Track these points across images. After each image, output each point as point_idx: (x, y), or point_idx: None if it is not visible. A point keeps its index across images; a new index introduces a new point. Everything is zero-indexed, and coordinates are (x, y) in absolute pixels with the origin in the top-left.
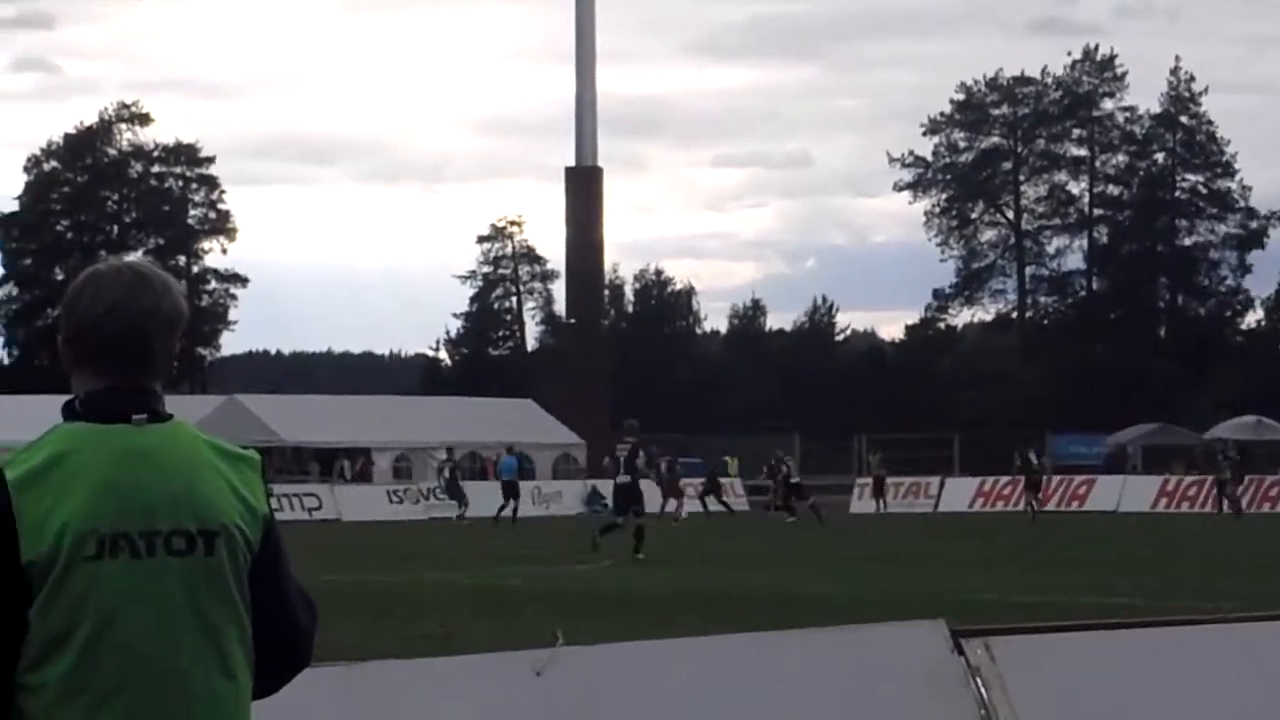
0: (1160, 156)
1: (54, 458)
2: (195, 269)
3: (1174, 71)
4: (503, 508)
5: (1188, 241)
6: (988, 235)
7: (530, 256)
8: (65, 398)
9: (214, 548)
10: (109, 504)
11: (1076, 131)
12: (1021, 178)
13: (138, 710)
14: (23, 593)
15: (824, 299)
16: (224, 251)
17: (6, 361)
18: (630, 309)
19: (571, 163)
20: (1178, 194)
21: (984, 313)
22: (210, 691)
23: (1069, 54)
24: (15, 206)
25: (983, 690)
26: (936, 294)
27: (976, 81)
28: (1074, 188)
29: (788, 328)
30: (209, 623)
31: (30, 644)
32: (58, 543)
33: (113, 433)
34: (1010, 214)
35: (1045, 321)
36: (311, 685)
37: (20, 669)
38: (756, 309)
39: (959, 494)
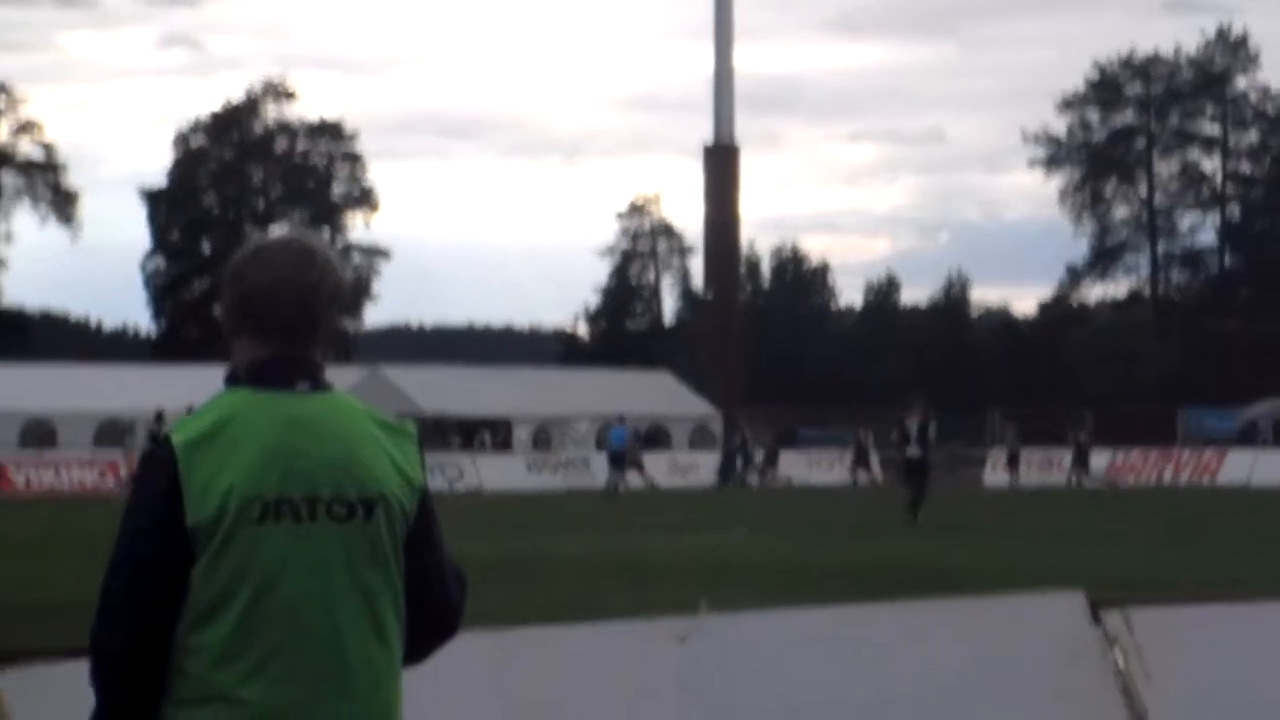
0: None
1: (220, 423)
2: (339, 242)
3: None
4: (618, 480)
5: None
6: (1121, 212)
7: (668, 231)
8: (211, 367)
9: (373, 516)
10: (273, 470)
11: (1209, 109)
12: (1154, 155)
13: (295, 672)
14: (187, 555)
15: (958, 274)
16: (367, 225)
17: (154, 333)
18: (766, 284)
19: (709, 140)
20: None
21: (1117, 289)
22: (366, 657)
23: (1202, 32)
24: (164, 182)
25: (1120, 660)
26: (1070, 270)
27: (1110, 60)
28: (1206, 165)
29: (921, 302)
30: (366, 589)
31: (192, 606)
32: (222, 507)
33: (277, 400)
34: (1143, 191)
35: (1177, 298)
36: (459, 652)
37: (182, 629)
38: (891, 284)
39: (1092, 467)
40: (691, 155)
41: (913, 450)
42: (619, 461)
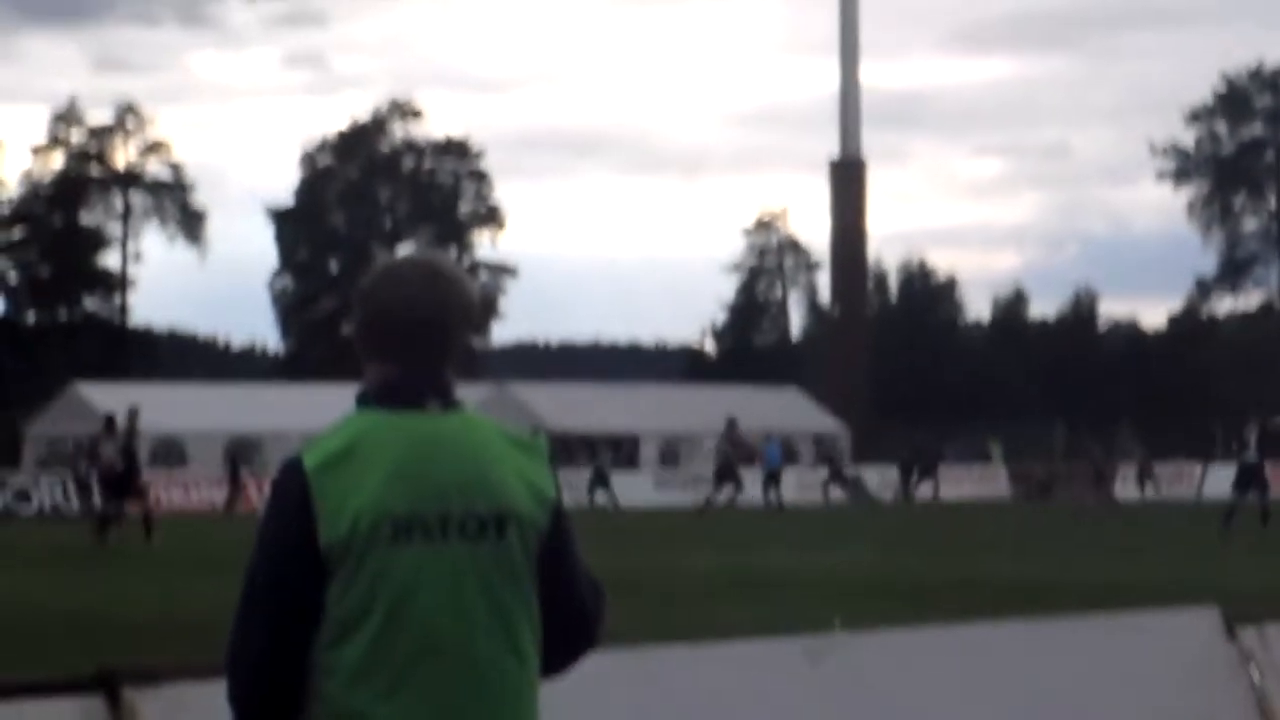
0: None
1: (351, 443)
2: (465, 261)
3: None
4: (768, 496)
5: None
6: (1250, 225)
7: (795, 247)
8: (339, 386)
9: (505, 532)
10: (404, 489)
11: None
12: None
13: (431, 691)
14: (320, 575)
15: (1086, 288)
16: (493, 244)
17: (283, 351)
18: (894, 299)
19: (835, 154)
20: None
21: (1247, 302)
22: (501, 673)
23: None
24: (291, 201)
25: (1256, 677)
26: (1199, 283)
27: (1239, 71)
28: None
29: (1049, 316)
30: (500, 606)
31: (326, 625)
32: (354, 527)
33: (407, 419)
34: (1273, 203)
35: None
36: (592, 667)
37: (317, 649)
38: (1019, 298)
39: (1221, 481)
40: (813, 171)
41: (1250, 457)
42: (773, 479)
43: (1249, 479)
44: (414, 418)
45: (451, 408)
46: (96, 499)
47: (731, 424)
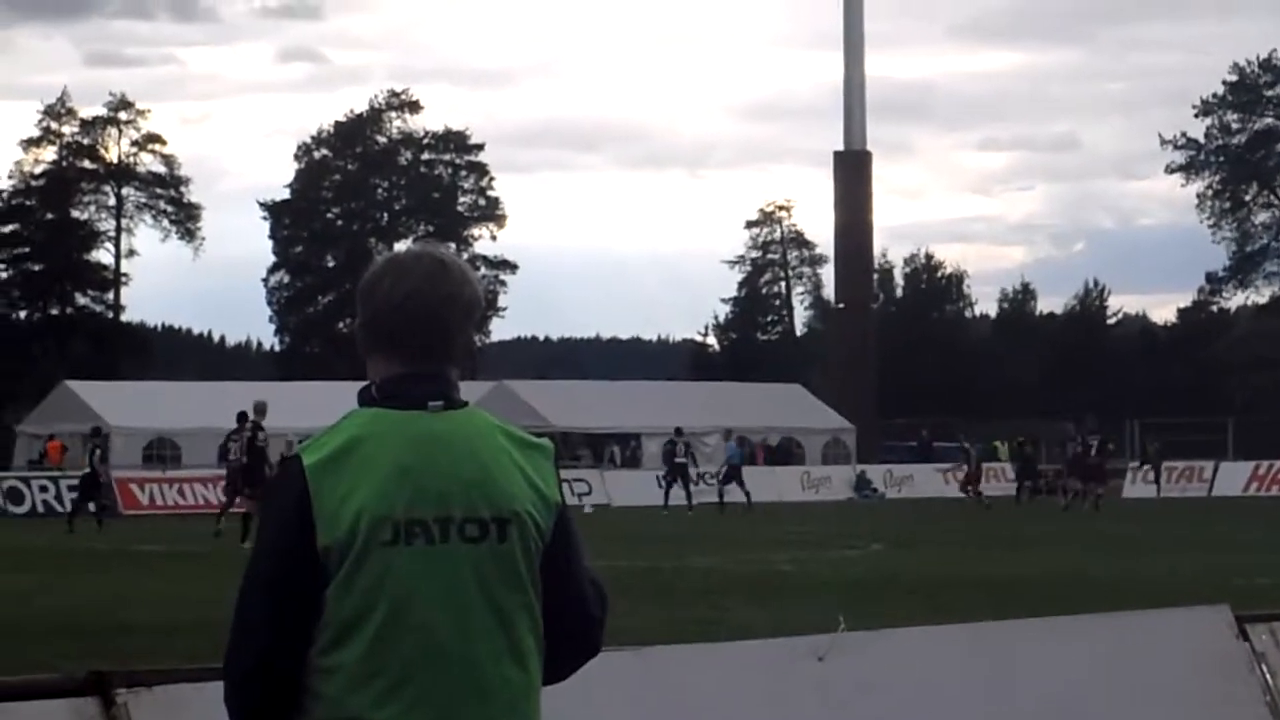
0: None
1: (350, 443)
2: (465, 255)
3: None
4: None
5: None
6: (1261, 217)
7: (799, 241)
8: (334, 383)
9: (506, 535)
10: (404, 490)
11: None
12: None
13: (430, 695)
14: (319, 576)
15: (1095, 282)
16: (493, 238)
17: (278, 348)
18: (899, 293)
19: (839, 147)
20: None
21: (1258, 296)
22: (502, 678)
23: None
24: (286, 194)
25: (1268, 676)
26: (1209, 277)
27: (1250, 63)
28: None
29: (1058, 311)
30: (501, 610)
31: (325, 627)
32: (354, 528)
33: (408, 418)
34: None
35: None
36: (597, 669)
37: (315, 651)
38: (1026, 292)
39: (1233, 478)
40: (817, 165)
41: None
42: (732, 476)
43: None
44: (415, 417)
45: (455, 406)
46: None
47: (678, 431)
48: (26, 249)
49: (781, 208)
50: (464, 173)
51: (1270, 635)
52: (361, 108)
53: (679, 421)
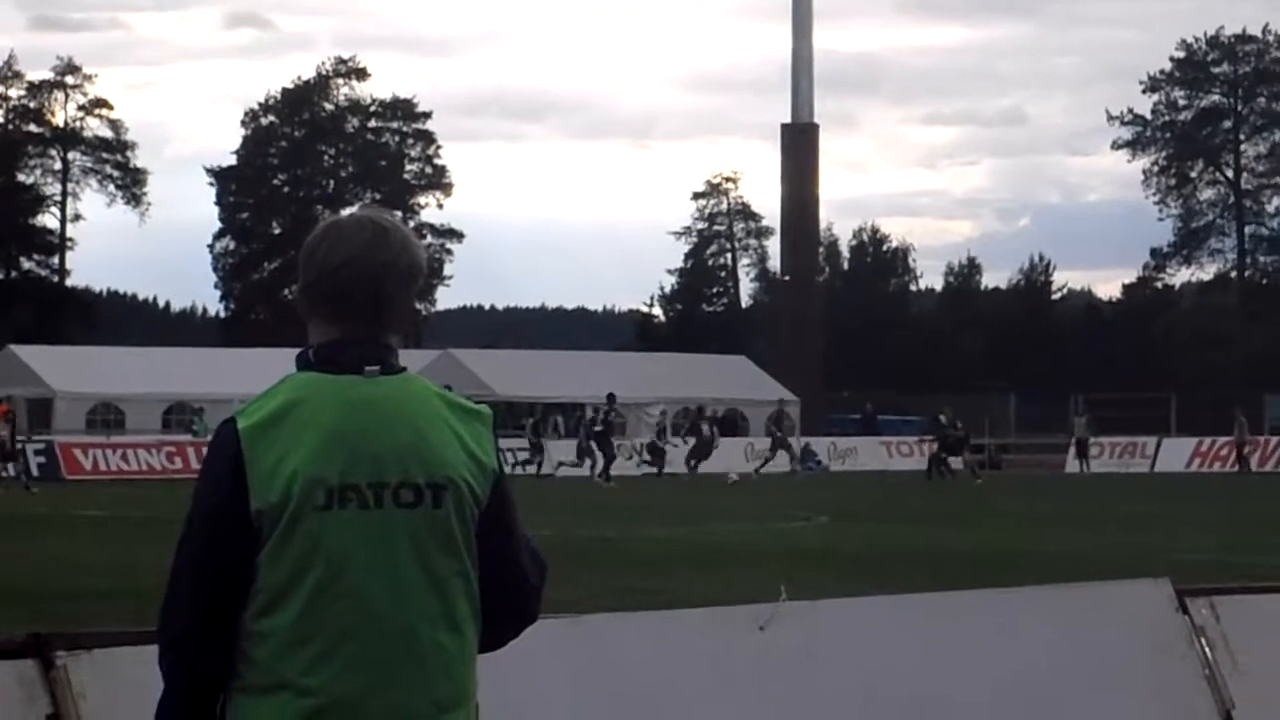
0: None
1: (285, 406)
2: (411, 224)
3: None
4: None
5: None
6: (1207, 194)
7: (745, 213)
8: (280, 350)
9: (441, 501)
10: (338, 454)
11: None
12: (1242, 136)
13: (363, 661)
14: (252, 540)
15: (1040, 257)
16: (440, 206)
17: (223, 314)
18: (845, 266)
19: (786, 119)
20: None
21: (1202, 272)
22: (435, 643)
23: None
24: (233, 160)
25: (1207, 650)
26: (1154, 253)
27: (1198, 39)
28: None
29: (1003, 286)
30: (435, 575)
31: (259, 591)
32: (287, 492)
33: (344, 383)
34: (1230, 173)
35: (1264, 281)
36: (535, 638)
37: (248, 615)
38: (972, 267)
39: (1176, 454)
40: (765, 137)
41: None
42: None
43: None
44: (351, 382)
45: (392, 372)
46: None
47: (611, 397)
48: None
49: (728, 179)
50: (411, 141)
51: (1210, 609)
52: (309, 75)
53: (624, 391)
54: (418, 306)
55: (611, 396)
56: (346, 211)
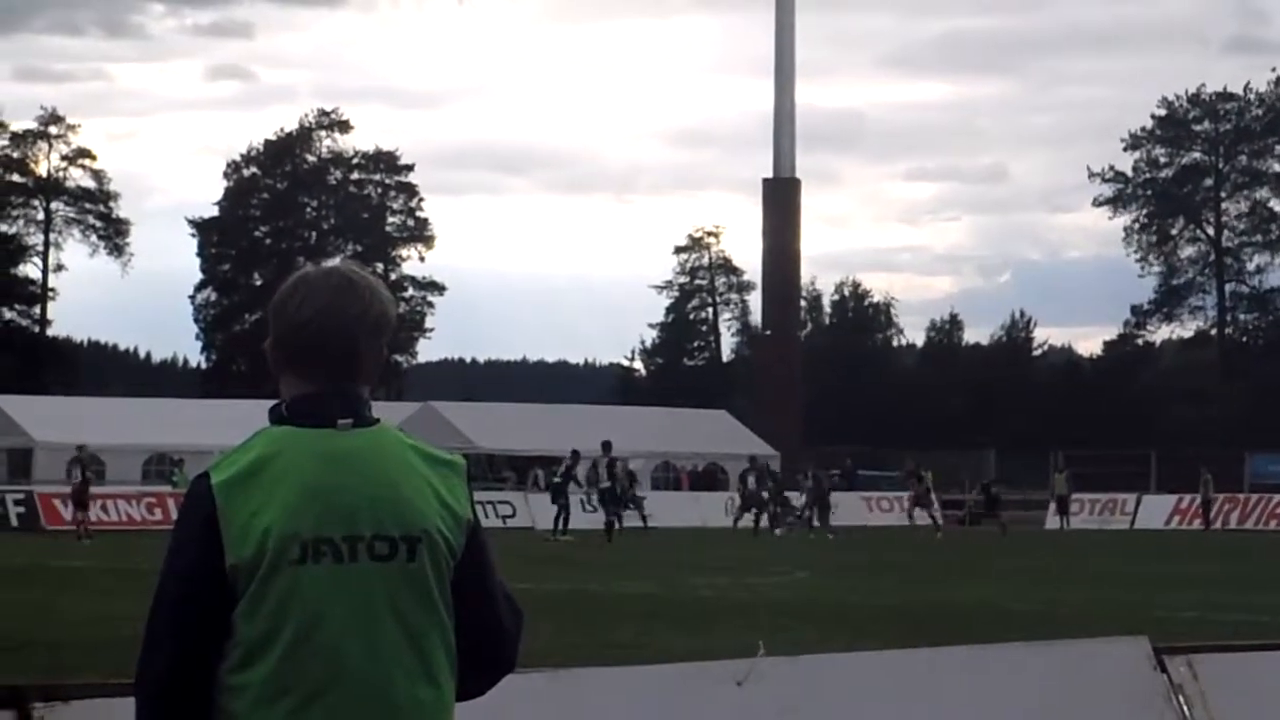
0: None
1: (259, 461)
2: (393, 276)
3: None
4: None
5: None
6: (1188, 251)
7: (727, 267)
8: (261, 402)
9: (416, 553)
10: (312, 508)
11: (1279, 148)
12: (1223, 194)
13: (338, 715)
14: (228, 595)
15: (1021, 313)
16: (422, 259)
17: (204, 365)
18: (827, 321)
19: (768, 174)
20: None
21: (1183, 330)
22: (412, 697)
23: (1273, 70)
24: (215, 212)
25: (1185, 708)
26: (1135, 310)
27: (1179, 97)
28: (1276, 205)
29: (984, 342)
30: (411, 628)
31: (235, 646)
32: (261, 546)
33: (318, 436)
34: (1211, 230)
35: (1245, 339)
36: (514, 692)
37: (225, 669)
38: (954, 323)
39: (1156, 511)
40: (746, 192)
41: None
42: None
43: None
44: (324, 435)
45: (365, 424)
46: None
47: (606, 445)
48: None
49: (710, 234)
50: (393, 193)
51: (1188, 668)
52: (291, 126)
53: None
54: (398, 359)
55: (607, 444)
56: (314, 265)
